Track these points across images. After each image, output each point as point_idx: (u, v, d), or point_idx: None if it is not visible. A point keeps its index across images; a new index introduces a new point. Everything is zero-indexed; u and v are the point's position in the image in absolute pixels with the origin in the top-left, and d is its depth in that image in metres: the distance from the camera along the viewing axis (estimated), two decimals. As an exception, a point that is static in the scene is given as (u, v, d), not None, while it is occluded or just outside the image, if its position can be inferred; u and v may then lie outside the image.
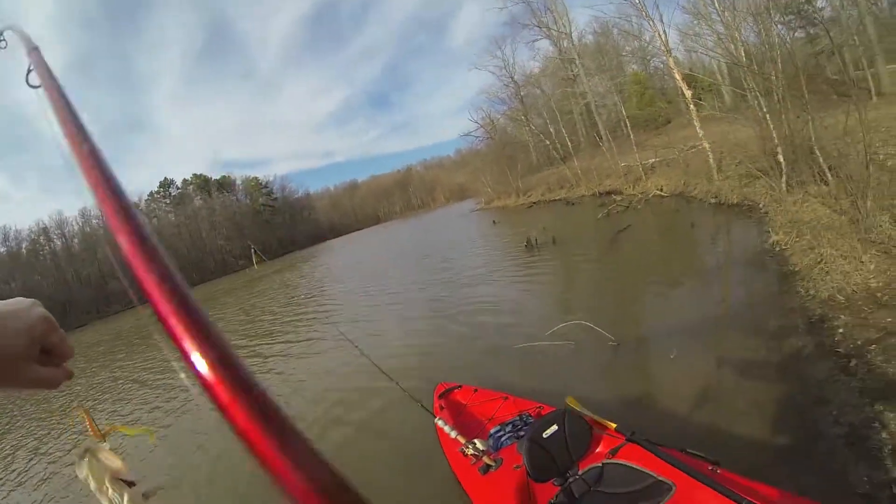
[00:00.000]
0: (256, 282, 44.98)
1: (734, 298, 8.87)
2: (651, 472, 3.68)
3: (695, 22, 27.98)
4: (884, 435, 4.23)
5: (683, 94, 22.73)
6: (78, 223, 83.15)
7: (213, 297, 46.63)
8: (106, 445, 0.99)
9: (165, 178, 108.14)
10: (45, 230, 79.29)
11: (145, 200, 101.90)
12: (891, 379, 4.86)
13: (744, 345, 6.92)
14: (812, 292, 7.55)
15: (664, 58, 27.32)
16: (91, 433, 1.00)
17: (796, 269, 8.66)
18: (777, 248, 10.08)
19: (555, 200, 40.54)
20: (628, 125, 34.11)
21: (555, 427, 4.13)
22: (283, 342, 16.54)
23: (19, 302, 0.95)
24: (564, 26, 44.48)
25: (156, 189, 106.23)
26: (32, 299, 0.98)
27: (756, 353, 6.58)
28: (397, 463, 6.50)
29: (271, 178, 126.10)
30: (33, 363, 0.91)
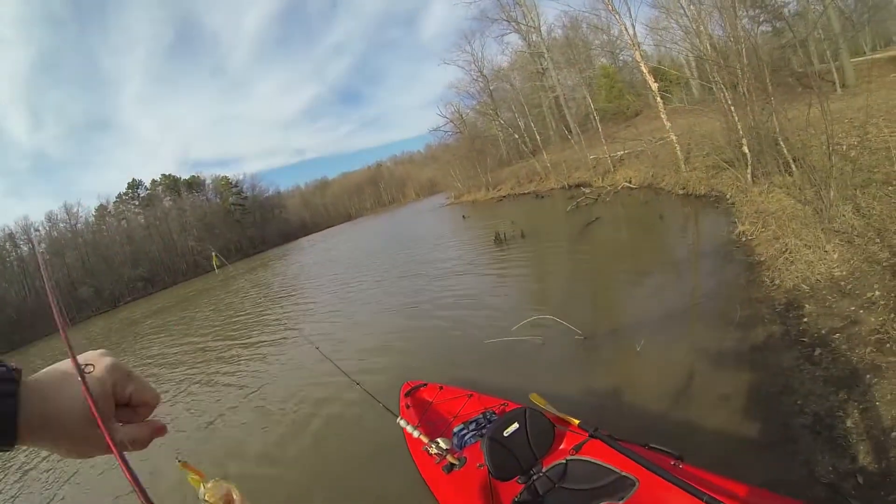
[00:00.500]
0: (231, 281, 44.51)
1: (701, 289, 8.89)
2: (614, 468, 3.66)
3: (662, 16, 28.37)
4: (848, 423, 4.23)
5: (651, 86, 22.89)
6: (45, 227, 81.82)
7: (186, 299, 46.28)
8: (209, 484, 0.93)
9: (134, 180, 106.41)
10: (10, 236, 77.85)
11: (113, 203, 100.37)
12: (854, 367, 4.86)
13: (710, 336, 6.93)
14: (777, 282, 7.59)
15: (632, 51, 27.54)
16: (196, 478, 0.93)
17: (762, 259, 8.72)
18: (743, 239, 10.15)
19: (524, 194, 40.76)
20: (597, 118, 34.36)
21: (516, 425, 4.10)
22: (250, 343, 16.44)
23: (84, 359, 0.87)
24: (533, 20, 44.64)
25: (124, 191, 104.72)
26: (101, 350, 0.92)
27: (722, 344, 6.58)
28: (364, 463, 6.45)
29: (241, 177, 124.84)
30: (110, 423, 0.85)
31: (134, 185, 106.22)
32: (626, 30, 24.17)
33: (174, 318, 31.89)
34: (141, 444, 0.89)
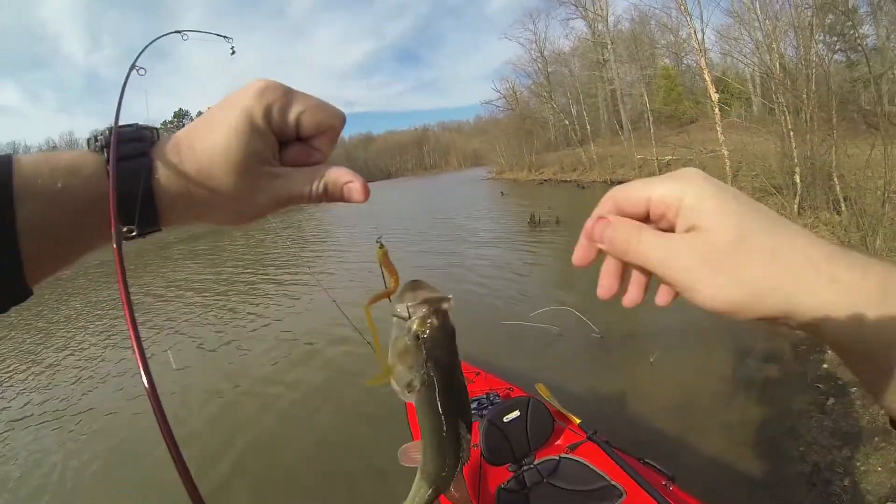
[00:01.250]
0: (263, 220, 44.76)
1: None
2: (605, 475, 3.74)
3: (734, 25, 27.79)
4: (846, 483, 4.24)
5: (711, 96, 22.56)
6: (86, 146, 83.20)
7: (218, 231, 46.64)
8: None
9: (181, 109, 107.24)
10: (53, 149, 78.78)
11: (158, 130, 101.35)
12: (864, 426, 4.85)
13: (726, 361, 6.95)
14: None
15: (697, 57, 27.06)
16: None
17: None
18: None
19: (566, 181, 40.61)
20: (651, 119, 33.88)
21: (517, 413, 4.16)
22: (276, 281, 17.12)
23: (234, 94, 0.65)
24: (602, 9, 44.02)
25: (170, 119, 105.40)
26: (258, 80, 0.66)
27: (736, 372, 6.61)
28: (357, 416, 6.75)
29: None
30: (269, 167, 0.65)
31: (180, 114, 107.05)
32: (696, 34, 23.82)
33: (205, 248, 32.32)
34: (334, 187, 0.67)
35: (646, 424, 5.72)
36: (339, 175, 0.67)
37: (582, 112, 48.27)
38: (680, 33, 36.57)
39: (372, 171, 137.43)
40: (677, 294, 0.62)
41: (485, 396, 5.26)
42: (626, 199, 0.61)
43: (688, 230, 0.57)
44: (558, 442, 4.25)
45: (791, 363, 6.56)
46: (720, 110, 22.10)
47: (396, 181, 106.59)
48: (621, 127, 40.18)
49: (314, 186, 0.65)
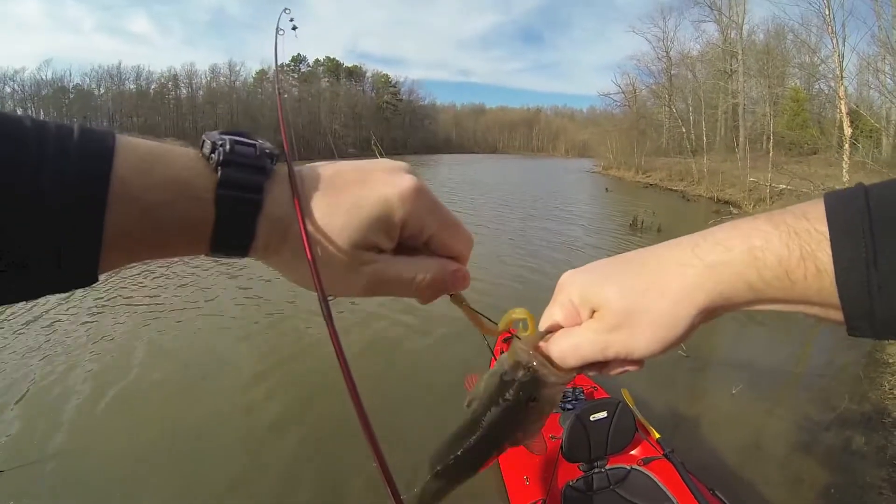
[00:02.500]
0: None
1: (810, 360, 8.86)
2: (672, 496, 3.81)
3: (880, 55, 26.59)
4: None
5: (842, 129, 21.90)
6: (206, 77, 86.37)
7: None
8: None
9: (298, 54, 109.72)
10: (175, 77, 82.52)
11: (273, 70, 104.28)
12: None
13: (805, 412, 6.97)
14: None
15: (833, 83, 26.18)
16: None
17: (890, 360, 8.47)
18: None
19: (671, 190, 40.11)
20: (771, 141, 33.00)
21: (604, 414, 4.15)
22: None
23: (377, 164, 0.62)
24: (737, 16, 42.87)
25: (287, 62, 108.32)
26: (402, 163, 0.63)
27: (814, 427, 6.62)
28: (441, 387, 6.96)
29: (402, 80, 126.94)
30: (377, 254, 0.60)
31: (297, 59, 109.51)
32: (838, 57, 23.06)
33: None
34: (441, 273, 0.64)
35: (716, 455, 5.84)
36: (446, 263, 0.65)
37: (700, 121, 47.16)
38: (818, 54, 35.37)
39: (479, 144, 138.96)
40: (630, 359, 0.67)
41: (570, 391, 5.33)
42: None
43: (591, 315, 0.67)
44: (634, 452, 4.35)
45: (873, 432, 6.48)
46: (850, 146, 21.38)
47: (501, 157, 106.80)
48: (738, 144, 39.14)
49: (419, 276, 0.62)
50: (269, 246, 0.57)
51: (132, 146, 0.51)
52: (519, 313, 0.72)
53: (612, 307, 0.63)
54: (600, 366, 0.70)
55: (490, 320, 0.76)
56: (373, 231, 0.58)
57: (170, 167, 0.53)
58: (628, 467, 4.11)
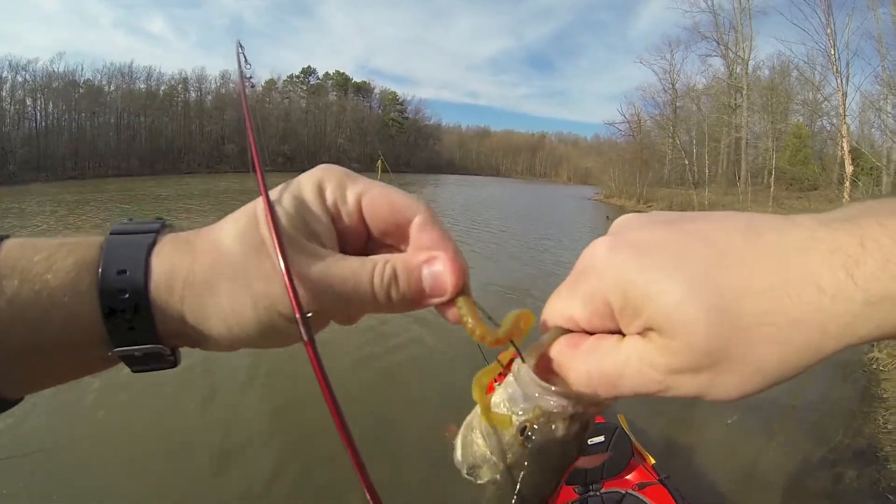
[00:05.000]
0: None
1: (804, 394, 8.66)
2: None
3: (883, 95, 26.78)
4: None
5: (843, 166, 22.03)
6: (216, 83, 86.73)
7: None
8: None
9: (309, 66, 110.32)
10: (185, 80, 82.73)
11: (283, 81, 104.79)
12: None
13: (800, 444, 6.94)
14: (890, 427, 7.37)
15: (836, 121, 26.41)
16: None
17: (885, 396, 8.45)
18: (873, 366, 9.70)
19: (671, 222, 40.04)
20: (773, 175, 33.17)
21: (601, 438, 4.08)
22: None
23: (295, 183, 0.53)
24: (744, 51, 43.17)
25: (296, 73, 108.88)
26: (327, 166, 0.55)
27: (809, 459, 6.61)
28: (441, 402, 6.89)
29: (409, 98, 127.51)
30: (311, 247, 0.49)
31: (307, 71, 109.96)
32: (842, 95, 23.24)
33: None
34: (407, 272, 0.51)
35: (711, 483, 5.82)
36: (413, 254, 0.53)
37: (703, 154, 47.38)
38: (821, 91, 35.64)
39: (482, 166, 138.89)
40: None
41: None
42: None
43: (642, 333, 0.45)
44: (629, 477, 4.23)
45: (866, 467, 6.46)
46: (851, 184, 21.51)
47: (503, 181, 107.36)
48: (739, 178, 39.37)
49: (376, 274, 0.50)
50: (175, 285, 0.48)
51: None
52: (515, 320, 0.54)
53: (692, 341, 0.41)
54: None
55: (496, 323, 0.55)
56: (301, 207, 0.50)
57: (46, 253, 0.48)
58: (623, 492, 4.04)
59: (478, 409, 0.56)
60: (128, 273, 0.47)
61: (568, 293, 0.50)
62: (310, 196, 0.51)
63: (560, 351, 0.50)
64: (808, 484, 6.13)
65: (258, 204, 0.50)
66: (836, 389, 8.98)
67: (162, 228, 0.51)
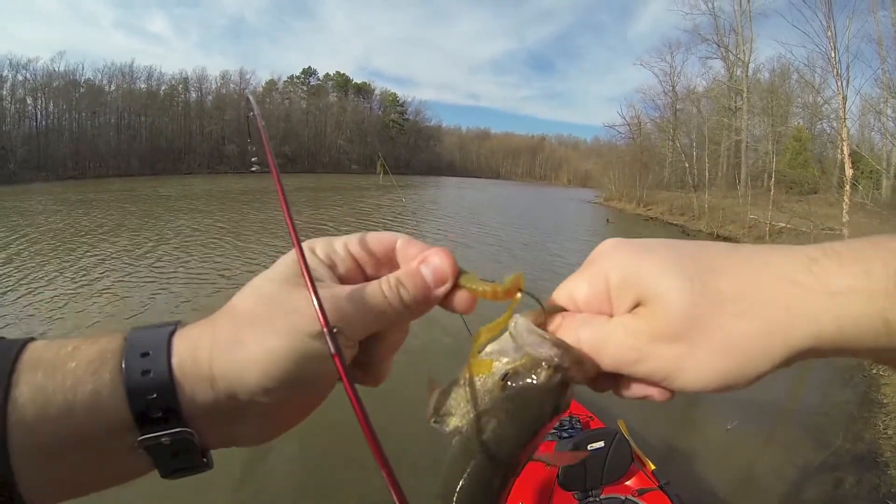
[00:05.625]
0: (366, 192, 46.06)
1: (803, 397, 8.89)
2: None
3: (883, 98, 26.82)
4: None
5: (843, 169, 22.01)
6: (217, 83, 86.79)
7: (341, 188, 49.10)
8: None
9: (309, 67, 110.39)
10: (185, 80, 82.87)
11: (283, 81, 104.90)
12: None
13: (800, 449, 7.02)
14: (890, 433, 7.44)
15: (836, 124, 26.40)
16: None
17: (885, 401, 8.51)
18: (873, 370, 9.76)
19: (672, 224, 40.42)
20: (773, 179, 33.16)
21: (601, 444, 4.06)
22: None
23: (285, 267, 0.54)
24: (744, 54, 43.16)
25: (297, 74, 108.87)
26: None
27: (809, 464, 6.65)
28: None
29: (409, 100, 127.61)
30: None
31: (308, 72, 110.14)
32: (842, 98, 23.27)
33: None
34: (411, 277, 0.55)
35: (710, 489, 5.86)
36: (408, 256, 0.58)
37: (703, 156, 47.30)
38: (821, 94, 35.63)
39: (482, 168, 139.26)
40: (666, 390, 0.53)
41: (566, 419, 5.14)
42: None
43: (632, 310, 0.51)
44: (629, 483, 4.30)
45: (866, 471, 6.54)
46: (850, 187, 21.52)
47: (503, 183, 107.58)
48: (739, 181, 39.33)
49: (384, 286, 0.54)
50: (199, 383, 0.49)
51: (29, 368, 0.46)
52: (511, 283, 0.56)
53: (672, 307, 0.47)
54: (613, 380, 0.55)
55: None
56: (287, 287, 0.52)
57: (72, 389, 0.46)
58: (623, 497, 4.07)
59: (462, 370, 0.57)
60: (151, 354, 0.48)
61: (575, 276, 0.55)
62: (306, 255, 0.53)
63: (556, 321, 0.54)
64: (808, 489, 6.22)
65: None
66: (836, 393, 9.05)
67: (179, 323, 0.52)
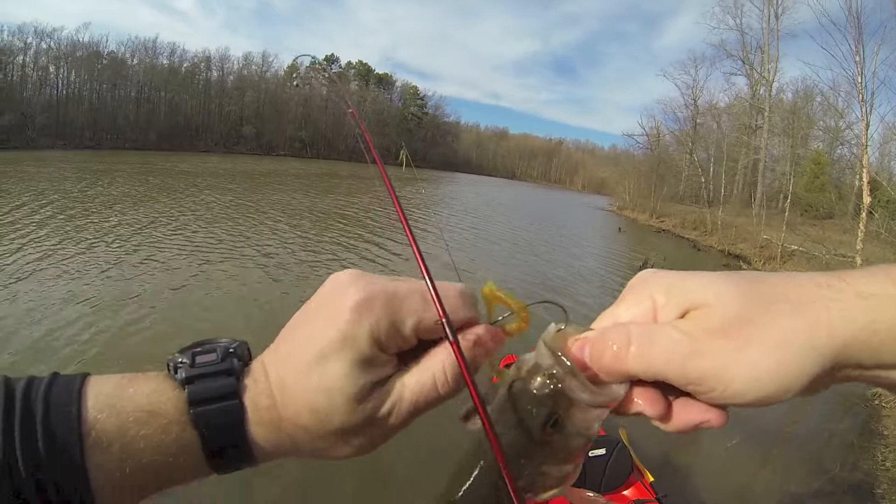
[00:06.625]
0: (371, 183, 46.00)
1: (807, 423, 8.88)
2: None
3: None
4: None
5: (861, 196, 21.85)
6: (239, 63, 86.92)
7: (336, 176, 49.30)
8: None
9: (332, 54, 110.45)
10: (208, 59, 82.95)
11: (305, 67, 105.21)
12: None
13: (797, 475, 7.07)
14: (888, 465, 7.45)
15: (857, 150, 26.23)
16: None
17: (885, 433, 8.51)
18: (875, 401, 9.80)
19: (683, 238, 40.24)
20: (788, 200, 33.00)
21: (602, 451, 4.13)
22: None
23: (317, 298, 0.56)
24: (769, 73, 42.86)
25: (320, 60, 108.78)
26: (342, 277, 0.55)
27: (806, 489, 6.71)
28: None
29: (430, 94, 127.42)
30: (379, 387, 0.53)
31: (330, 59, 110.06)
32: (865, 125, 23.12)
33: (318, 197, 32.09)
34: (457, 378, 0.53)
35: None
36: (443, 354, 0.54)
37: (720, 173, 47.14)
38: (844, 119, 35.36)
39: (498, 168, 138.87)
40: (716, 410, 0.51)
41: None
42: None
43: (682, 315, 0.50)
44: (627, 493, 4.30)
45: (864, 501, 6.62)
46: (867, 215, 21.39)
47: (517, 184, 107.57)
48: (754, 200, 39.17)
49: (438, 374, 0.53)
50: (281, 447, 0.53)
51: (93, 388, 0.49)
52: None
53: (725, 306, 0.47)
54: (660, 401, 0.52)
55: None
56: (354, 378, 0.51)
57: (133, 397, 0.49)
58: None
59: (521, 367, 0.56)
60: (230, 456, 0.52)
61: (616, 305, 0.55)
62: (369, 353, 0.51)
63: (604, 326, 0.53)
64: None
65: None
66: (836, 421, 9.05)
67: (237, 375, 0.54)
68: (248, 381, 0.53)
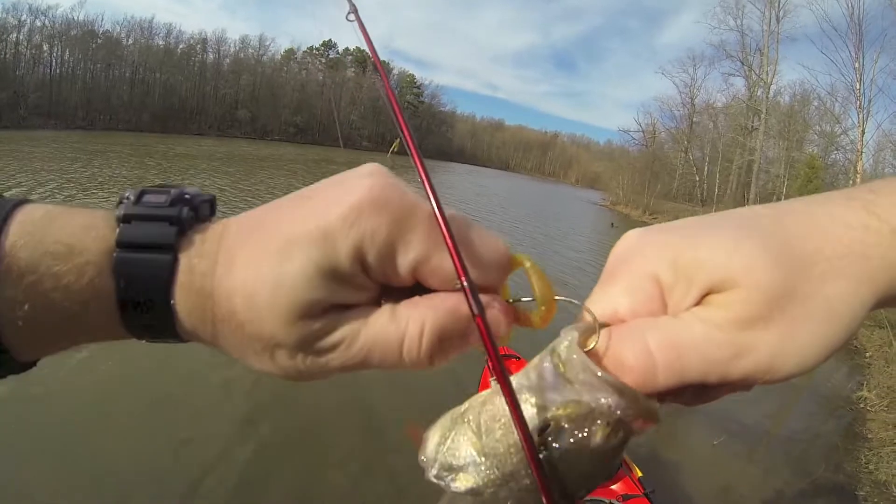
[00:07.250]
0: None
1: (793, 426, 8.91)
2: None
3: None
4: None
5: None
6: (236, 46, 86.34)
7: (355, 162, 48.59)
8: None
9: (330, 40, 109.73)
10: (204, 41, 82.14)
11: (302, 52, 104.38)
12: None
13: (783, 474, 7.10)
14: (871, 468, 7.45)
15: (851, 156, 26.34)
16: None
17: (869, 436, 8.50)
18: (861, 405, 9.76)
19: (676, 235, 40.21)
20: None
21: None
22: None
23: (334, 178, 0.47)
24: (767, 75, 42.93)
25: (317, 46, 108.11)
26: (369, 167, 0.46)
27: (787, 489, 6.77)
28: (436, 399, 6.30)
29: (427, 83, 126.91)
30: (341, 313, 0.42)
31: (328, 44, 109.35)
32: (861, 131, 23.16)
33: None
34: (430, 347, 0.42)
35: (693, 501, 5.96)
36: (444, 300, 0.43)
37: (714, 172, 47.32)
38: (840, 124, 35.42)
39: (492, 158, 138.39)
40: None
41: None
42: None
43: (699, 302, 0.41)
44: (614, 487, 4.18)
45: (847, 501, 6.71)
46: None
47: (511, 175, 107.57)
48: (747, 201, 39.27)
49: (412, 334, 0.42)
50: (198, 328, 0.44)
51: (29, 214, 0.42)
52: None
53: (761, 283, 0.38)
54: (696, 391, 0.44)
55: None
56: (313, 288, 0.41)
57: (64, 229, 0.42)
58: (608, 501, 4.02)
59: (474, 399, 0.45)
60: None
61: (604, 291, 0.45)
62: (346, 269, 0.41)
63: (602, 339, 0.42)
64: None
65: None
66: (821, 423, 9.15)
67: (178, 236, 0.43)
68: (196, 238, 0.44)
